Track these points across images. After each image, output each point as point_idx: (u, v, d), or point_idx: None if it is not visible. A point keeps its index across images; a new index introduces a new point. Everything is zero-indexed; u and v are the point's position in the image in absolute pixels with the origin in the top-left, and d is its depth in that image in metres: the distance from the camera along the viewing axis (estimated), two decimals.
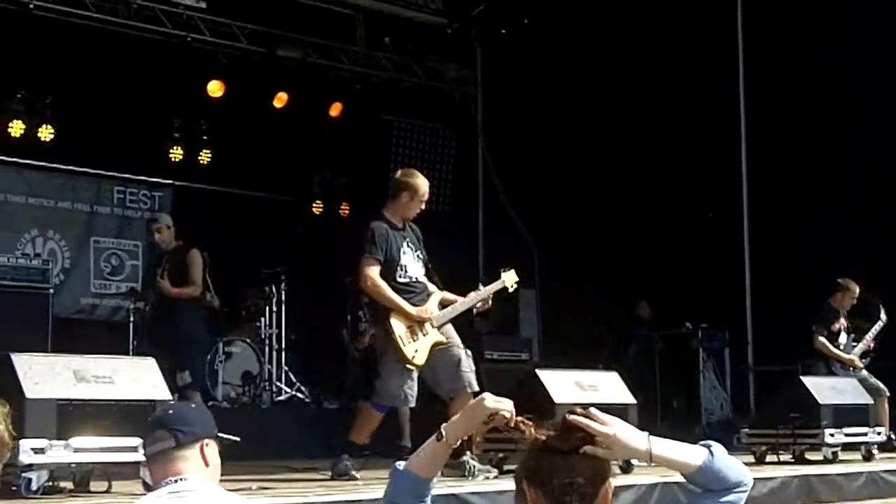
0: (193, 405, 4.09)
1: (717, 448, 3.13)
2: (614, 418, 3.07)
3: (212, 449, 3.85)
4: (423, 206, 9.30)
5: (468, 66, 17.38)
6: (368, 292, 9.09)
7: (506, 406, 3.17)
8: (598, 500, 2.97)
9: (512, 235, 15.81)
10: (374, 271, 8.95)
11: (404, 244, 9.16)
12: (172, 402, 3.81)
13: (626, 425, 3.07)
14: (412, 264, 9.18)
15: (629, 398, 9.86)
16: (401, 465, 3.28)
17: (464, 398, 8.89)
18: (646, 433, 3.16)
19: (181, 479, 3.70)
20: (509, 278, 9.49)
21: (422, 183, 9.27)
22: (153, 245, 12.33)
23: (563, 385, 9.48)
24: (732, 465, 3.13)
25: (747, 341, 14.96)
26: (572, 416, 3.03)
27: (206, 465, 3.80)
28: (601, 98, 15.37)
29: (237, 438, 4.12)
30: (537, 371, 9.80)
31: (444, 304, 9.20)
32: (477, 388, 9.05)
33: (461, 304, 9.24)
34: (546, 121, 15.82)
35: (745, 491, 3.14)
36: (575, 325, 14.80)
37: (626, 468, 9.29)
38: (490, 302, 9.43)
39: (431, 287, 9.30)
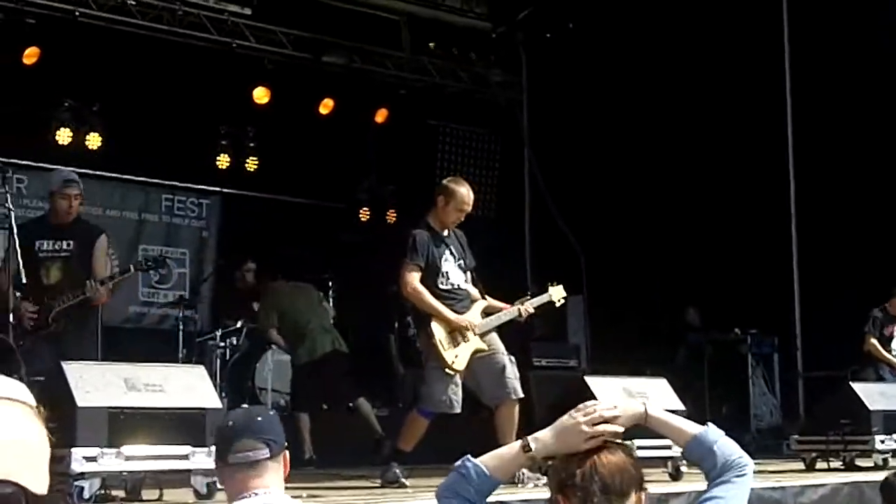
0: (272, 411, 4.00)
1: (714, 427, 3.30)
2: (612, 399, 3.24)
3: (287, 459, 3.80)
4: (465, 214, 9.29)
5: (513, 71, 17.34)
6: (409, 298, 9.12)
7: (607, 429, 3.19)
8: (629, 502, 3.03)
9: (558, 240, 15.76)
10: (414, 277, 8.99)
11: (447, 251, 9.18)
12: (250, 408, 3.73)
13: (623, 399, 3.25)
14: (454, 271, 9.20)
15: (678, 404, 9.78)
16: (472, 459, 3.32)
17: (509, 405, 8.97)
18: (643, 400, 3.33)
19: (266, 493, 3.64)
20: (557, 293, 9.50)
21: (459, 189, 9.23)
22: (62, 212, 9.28)
23: (611, 391, 9.43)
24: (728, 443, 3.26)
25: (796, 347, 14.86)
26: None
27: (286, 473, 3.76)
28: (647, 101, 15.31)
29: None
30: (586, 378, 9.77)
31: (487, 313, 9.22)
32: (522, 395, 9.10)
33: (505, 313, 9.26)
34: (592, 125, 15.77)
35: (746, 473, 3.25)
36: (623, 331, 14.75)
37: (676, 475, 9.25)
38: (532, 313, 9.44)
39: (475, 294, 9.31)
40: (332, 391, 12.62)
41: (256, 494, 3.63)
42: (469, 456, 3.35)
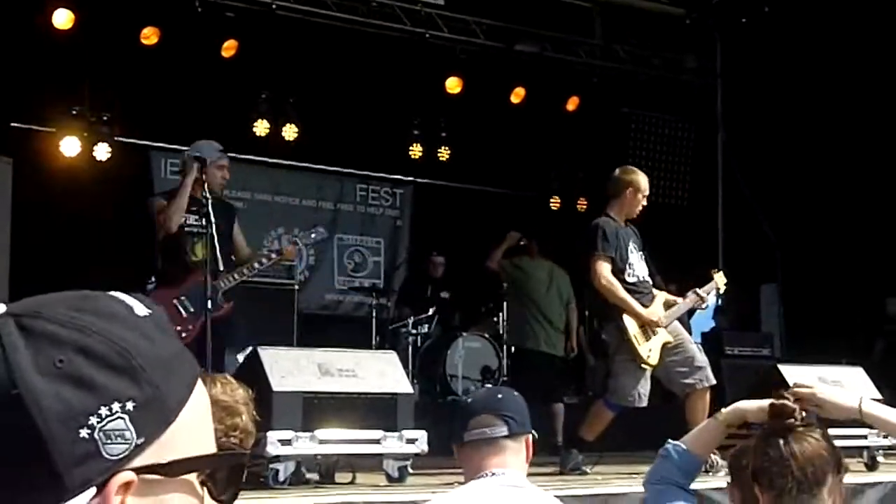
0: (516, 393, 3.84)
1: None
2: (820, 383, 3.17)
3: (531, 444, 3.67)
4: (645, 203, 9.28)
5: (707, 57, 17.11)
6: (601, 291, 9.05)
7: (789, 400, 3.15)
8: (824, 490, 2.98)
9: (752, 229, 15.51)
10: (606, 269, 8.95)
11: (630, 243, 9.16)
12: (493, 388, 3.64)
13: (836, 388, 3.16)
14: (638, 264, 9.19)
15: (875, 394, 9.58)
16: (672, 441, 3.35)
17: (702, 393, 8.89)
18: (859, 394, 3.23)
19: (504, 473, 3.51)
20: (720, 279, 9.53)
21: (643, 179, 9.28)
22: (216, 184, 8.68)
23: (805, 380, 9.26)
24: None
25: None
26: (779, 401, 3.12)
27: (527, 460, 3.63)
28: (846, 85, 14.92)
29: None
30: (779, 366, 9.63)
31: (666, 305, 9.20)
32: (714, 381, 9.03)
33: (683, 304, 9.31)
34: (788, 110, 15.44)
35: None
36: (819, 320, 14.43)
37: (872, 465, 9.07)
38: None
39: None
40: None
41: (493, 474, 3.50)
42: (669, 439, 3.40)
